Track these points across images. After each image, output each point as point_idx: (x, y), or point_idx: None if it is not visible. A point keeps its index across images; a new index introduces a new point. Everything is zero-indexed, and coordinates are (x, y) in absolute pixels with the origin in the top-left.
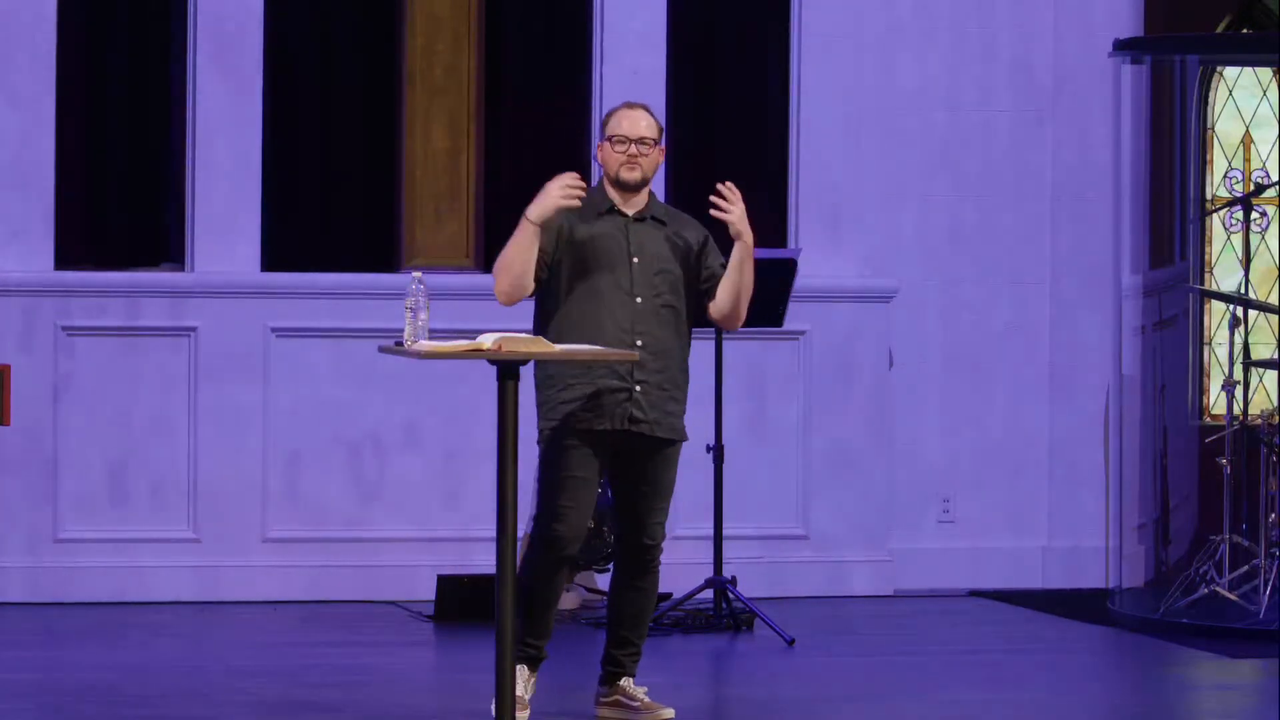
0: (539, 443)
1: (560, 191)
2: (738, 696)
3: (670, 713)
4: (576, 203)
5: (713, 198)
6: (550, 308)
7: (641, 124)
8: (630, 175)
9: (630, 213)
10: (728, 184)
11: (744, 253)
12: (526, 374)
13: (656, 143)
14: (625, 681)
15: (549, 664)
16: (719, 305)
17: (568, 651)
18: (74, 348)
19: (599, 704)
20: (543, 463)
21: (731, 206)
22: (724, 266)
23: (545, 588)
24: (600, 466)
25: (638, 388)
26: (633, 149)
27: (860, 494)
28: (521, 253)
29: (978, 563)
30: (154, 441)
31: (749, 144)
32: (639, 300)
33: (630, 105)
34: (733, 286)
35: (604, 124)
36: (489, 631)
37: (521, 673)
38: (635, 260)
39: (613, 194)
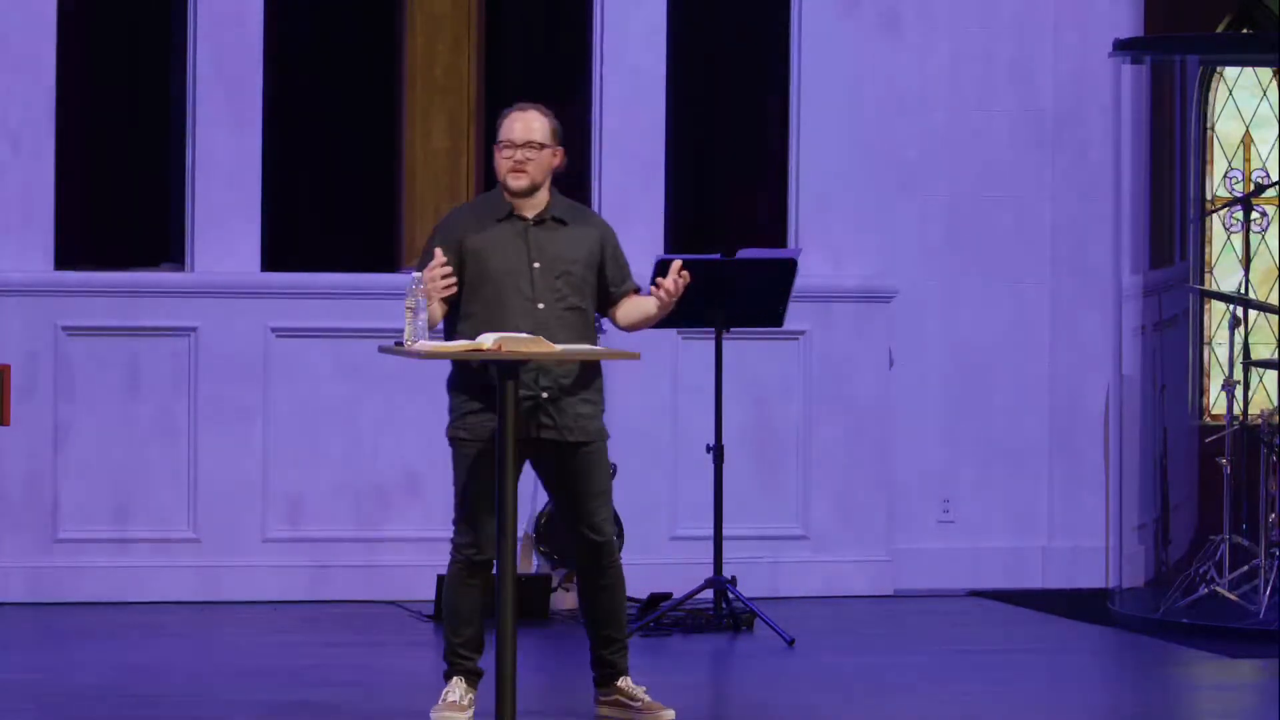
0: (450, 448)
1: (430, 289)
2: (738, 696)
3: (670, 713)
4: (448, 292)
5: (660, 281)
6: (455, 318)
7: (532, 126)
8: (517, 183)
9: (530, 215)
10: (684, 273)
11: (660, 310)
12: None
13: (545, 145)
14: (623, 681)
15: (549, 664)
16: (622, 320)
17: (568, 651)
18: (74, 348)
19: (599, 704)
20: (453, 471)
21: (674, 295)
22: (628, 278)
23: (468, 596)
24: (515, 472)
25: (544, 394)
26: (518, 155)
27: (860, 494)
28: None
29: (978, 563)
30: (154, 441)
31: (749, 144)
32: (541, 306)
33: (522, 107)
34: (641, 319)
35: (497, 128)
36: (489, 631)
37: (457, 685)
38: (536, 265)
39: (509, 198)
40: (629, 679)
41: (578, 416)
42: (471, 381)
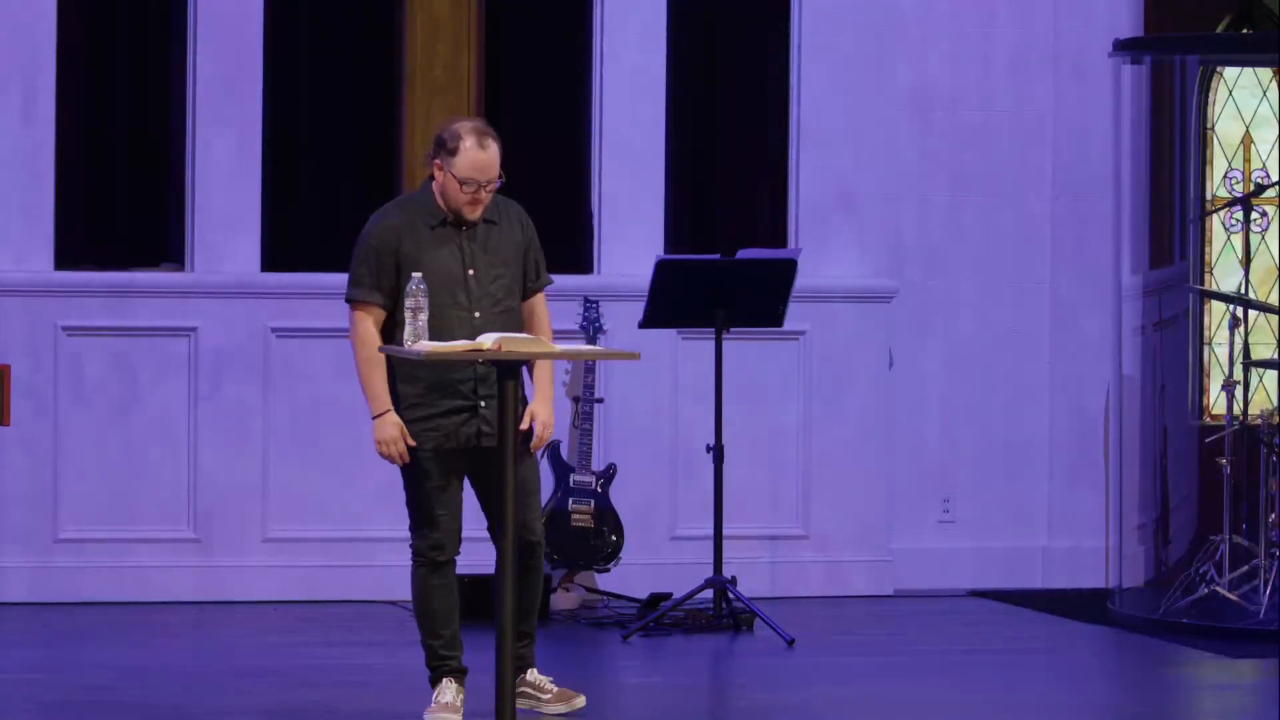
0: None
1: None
2: (738, 696)
3: (581, 700)
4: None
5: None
6: (392, 327)
7: (494, 162)
8: (473, 215)
9: (462, 222)
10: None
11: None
12: (527, 375)
13: (500, 177)
14: (530, 673)
15: (549, 664)
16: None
17: (568, 651)
18: (74, 348)
19: None
20: (404, 478)
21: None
22: (543, 273)
23: (441, 597)
24: (460, 472)
25: (483, 404)
26: (481, 193)
27: (860, 494)
28: (362, 383)
29: (978, 563)
30: (154, 441)
31: (749, 144)
32: (478, 315)
33: (481, 141)
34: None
35: (449, 148)
36: (489, 631)
37: (448, 686)
38: (471, 273)
39: (446, 205)
40: (536, 670)
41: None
42: (410, 390)
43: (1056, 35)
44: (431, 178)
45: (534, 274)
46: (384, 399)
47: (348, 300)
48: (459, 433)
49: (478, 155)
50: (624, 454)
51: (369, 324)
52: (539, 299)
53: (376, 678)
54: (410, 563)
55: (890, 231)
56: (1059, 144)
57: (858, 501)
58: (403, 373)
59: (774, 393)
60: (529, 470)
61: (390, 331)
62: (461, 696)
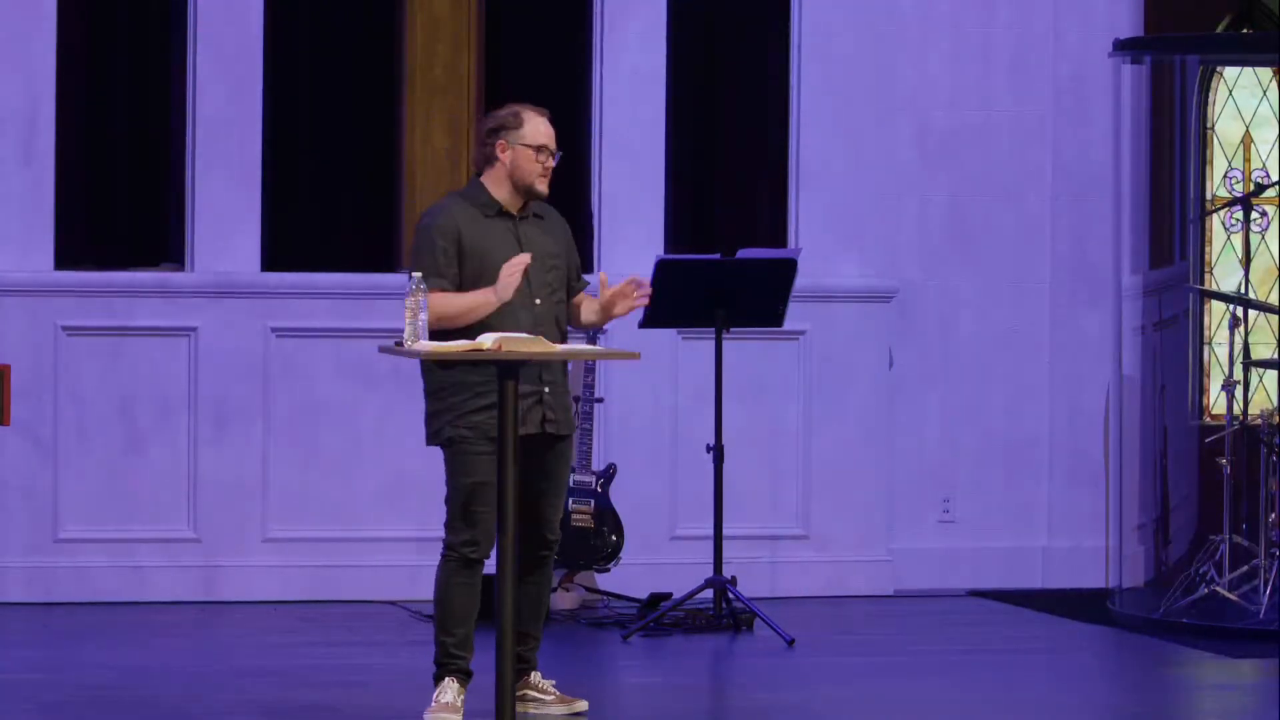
0: (443, 447)
1: (518, 273)
2: (738, 696)
3: (583, 704)
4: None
5: (627, 290)
6: None
7: (553, 134)
8: (544, 188)
9: (516, 212)
10: (644, 290)
11: (598, 320)
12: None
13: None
14: (534, 676)
15: (550, 663)
16: (578, 320)
17: (568, 651)
18: (74, 348)
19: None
20: (452, 470)
21: (635, 302)
22: (581, 275)
23: (464, 595)
24: (516, 470)
25: (547, 389)
26: (550, 161)
27: (860, 494)
28: (471, 320)
29: (978, 563)
30: (154, 441)
31: (749, 144)
32: (538, 302)
33: (540, 111)
34: (588, 319)
35: (511, 125)
36: (489, 631)
37: (450, 685)
38: (530, 261)
39: (501, 194)
40: (539, 674)
41: (565, 409)
42: (472, 379)
43: (1056, 35)
44: (479, 173)
45: (576, 275)
46: (480, 291)
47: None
48: (528, 418)
49: (543, 123)
50: (624, 454)
51: (434, 294)
52: (581, 298)
53: (376, 678)
54: (440, 556)
55: (890, 231)
56: (1059, 144)
57: (858, 501)
58: (470, 365)
59: (774, 393)
60: (567, 467)
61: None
62: (462, 697)
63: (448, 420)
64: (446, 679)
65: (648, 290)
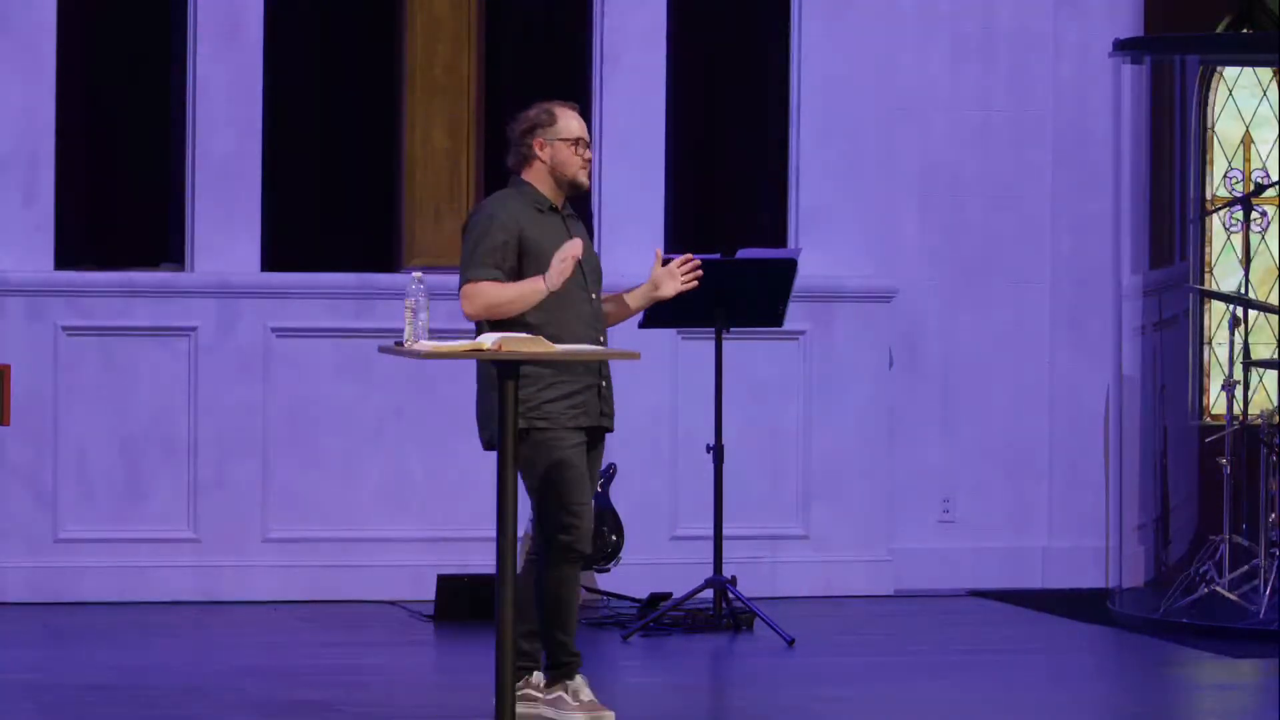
0: (520, 443)
1: (571, 261)
2: (738, 696)
3: (610, 715)
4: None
5: (679, 266)
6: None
7: (585, 127)
8: (587, 180)
9: (560, 208)
10: (693, 261)
11: (644, 302)
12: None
13: None
14: (535, 676)
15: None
16: (611, 316)
17: None
18: (74, 348)
19: (534, 693)
20: (539, 464)
21: (686, 282)
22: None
23: (572, 589)
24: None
25: (603, 383)
26: (587, 153)
27: (860, 494)
28: (520, 308)
29: (978, 563)
30: (154, 441)
31: (749, 144)
32: (594, 297)
33: (570, 105)
34: (618, 315)
35: (545, 122)
36: (489, 631)
37: (584, 685)
38: (582, 258)
39: (547, 191)
40: (541, 674)
41: (613, 405)
42: (546, 369)
43: (1056, 35)
44: (519, 174)
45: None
46: (529, 280)
47: (467, 281)
48: (590, 409)
49: (575, 117)
50: (624, 454)
51: (483, 284)
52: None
53: (376, 678)
54: (537, 557)
55: (890, 231)
56: (1059, 144)
57: (858, 501)
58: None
59: (774, 393)
60: (599, 465)
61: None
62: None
63: (520, 413)
64: (577, 676)
65: (698, 270)
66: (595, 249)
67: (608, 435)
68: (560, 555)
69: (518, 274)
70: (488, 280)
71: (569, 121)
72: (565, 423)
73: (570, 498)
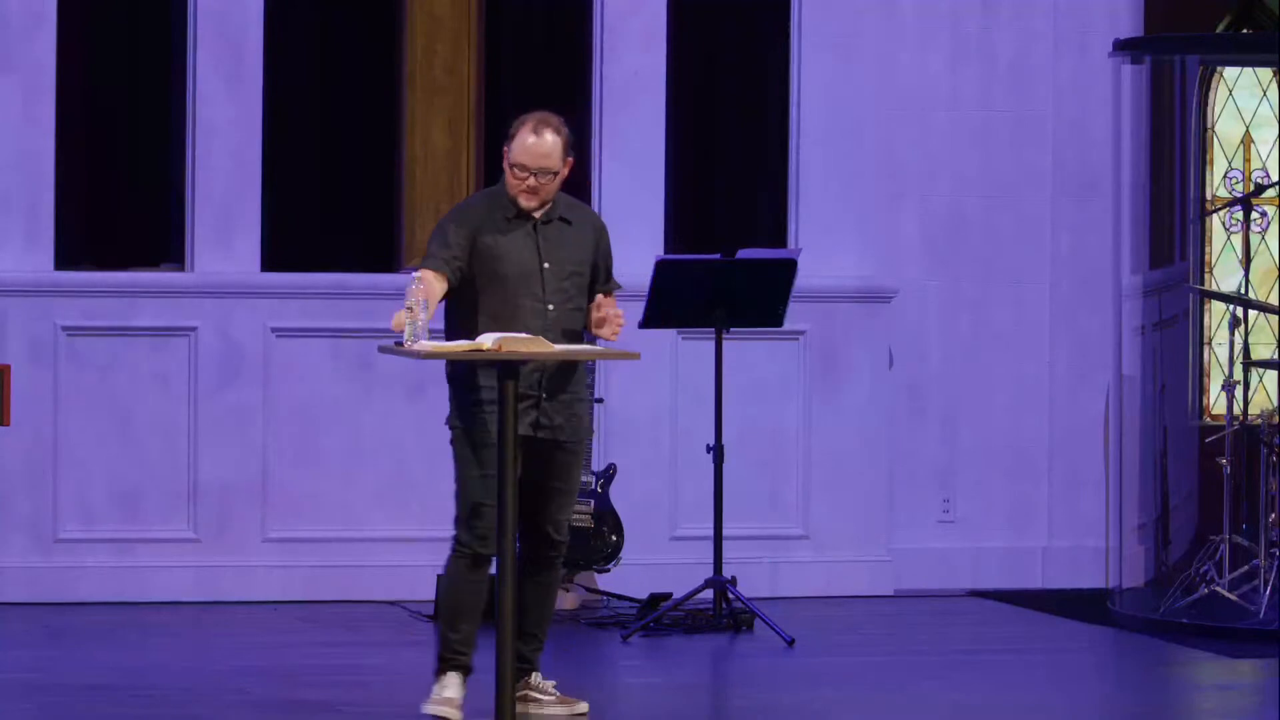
0: (451, 442)
1: (404, 314)
2: (738, 696)
3: (584, 706)
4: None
5: (598, 323)
6: (464, 315)
7: (550, 155)
8: (528, 204)
9: (538, 216)
10: (618, 316)
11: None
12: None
13: (557, 173)
14: (534, 677)
15: (550, 663)
16: (588, 322)
17: (569, 651)
18: (74, 348)
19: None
20: (459, 462)
21: (613, 330)
22: (611, 277)
23: (471, 592)
24: (514, 471)
25: (544, 395)
26: (532, 181)
27: (860, 494)
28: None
29: (978, 563)
30: (153, 441)
31: (749, 144)
32: (551, 308)
33: (537, 130)
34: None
35: (510, 134)
36: (489, 631)
37: (452, 680)
38: (546, 266)
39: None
40: (539, 675)
41: (571, 416)
42: (489, 381)
43: (1056, 35)
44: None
45: (603, 278)
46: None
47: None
48: (520, 420)
49: (530, 140)
50: (624, 454)
51: (428, 275)
52: (599, 300)
53: (376, 678)
54: (450, 552)
55: (890, 231)
56: (1059, 144)
57: (858, 501)
58: (483, 361)
59: (774, 393)
60: (578, 469)
61: (457, 319)
62: (463, 692)
63: (453, 412)
64: (449, 673)
65: (621, 321)
66: None
67: (607, 436)
68: (464, 554)
69: (469, 273)
70: (432, 271)
71: (521, 143)
72: (488, 425)
73: (476, 498)
